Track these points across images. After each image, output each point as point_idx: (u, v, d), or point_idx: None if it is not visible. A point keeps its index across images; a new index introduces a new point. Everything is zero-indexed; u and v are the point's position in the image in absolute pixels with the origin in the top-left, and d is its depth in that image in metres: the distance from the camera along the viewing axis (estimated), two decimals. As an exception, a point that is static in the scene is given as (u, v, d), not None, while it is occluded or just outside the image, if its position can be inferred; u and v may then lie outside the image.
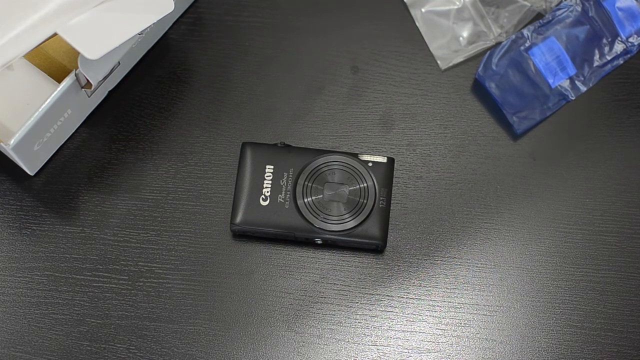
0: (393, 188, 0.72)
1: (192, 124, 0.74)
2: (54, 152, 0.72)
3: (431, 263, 0.71)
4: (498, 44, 0.76)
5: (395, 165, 0.72)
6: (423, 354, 0.69)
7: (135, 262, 0.70)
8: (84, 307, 0.69)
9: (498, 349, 0.69)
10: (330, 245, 0.70)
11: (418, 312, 0.70)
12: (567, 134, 0.74)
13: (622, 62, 0.75)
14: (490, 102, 0.75)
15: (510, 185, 0.73)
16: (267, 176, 0.70)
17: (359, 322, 0.69)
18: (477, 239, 0.71)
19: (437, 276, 0.71)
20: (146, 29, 0.66)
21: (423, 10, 0.76)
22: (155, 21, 0.65)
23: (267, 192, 0.69)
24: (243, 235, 0.71)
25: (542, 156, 0.74)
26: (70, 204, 0.72)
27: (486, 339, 0.69)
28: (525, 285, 0.70)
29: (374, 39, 0.76)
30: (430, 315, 0.70)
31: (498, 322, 0.70)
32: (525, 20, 0.76)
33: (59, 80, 0.68)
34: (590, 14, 0.75)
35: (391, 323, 0.69)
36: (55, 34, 0.62)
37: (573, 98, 0.75)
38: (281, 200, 0.69)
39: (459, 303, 0.70)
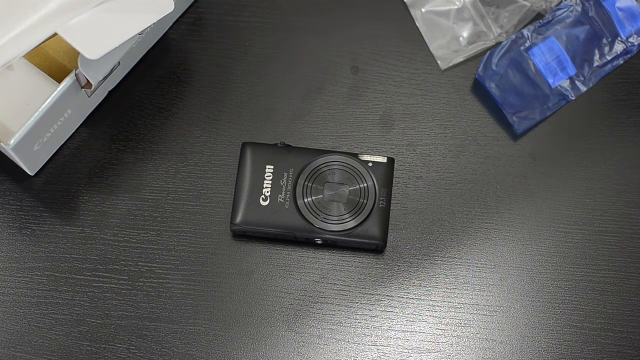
0: (393, 188, 0.72)
1: (192, 124, 0.74)
2: (54, 152, 0.72)
3: (431, 263, 0.71)
4: (498, 44, 0.76)
5: (395, 165, 0.72)
6: (423, 354, 0.69)
7: (135, 262, 0.70)
8: (84, 307, 0.69)
9: (498, 349, 0.69)
10: (330, 245, 0.70)
11: (418, 312, 0.70)
12: (567, 134, 0.74)
13: (622, 62, 0.75)
14: (490, 102, 0.75)
15: (510, 185, 0.73)
16: (267, 176, 0.70)
17: (359, 322, 0.69)
18: (477, 239, 0.71)
19: (437, 276, 0.71)
20: (146, 29, 0.66)
21: (423, 10, 0.77)
22: (155, 21, 0.65)
23: (267, 192, 0.69)
24: (243, 235, 0.71)
25: (542, 156, 0.74)
26: (70, 204, 0.72)
27: (486, 339, 0.69)
28: (525, 285, 0.70)
29: (374, 39, 0.76)
30: (430, 315, 0.70)
31: (498, 322, 0.70)
32: (525, 20, 0.76)
33: (59, 80, 0.68)
34: (590, 14, 0.75)
35: (391, 323, 0.69)
36: (55, 34, 0.62)
37: (573, 98, 0.75)
38: (281, 200, 0.69)
39: (459, 303, 0.70)
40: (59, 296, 0.69)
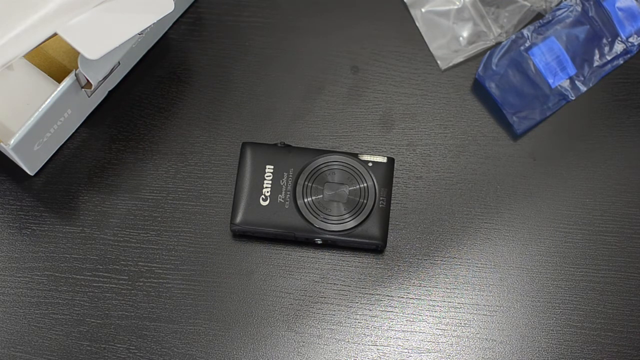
0: (393, 188, 0.72)
1: (192, 124, 0.74)
2: (54, 152, 0.72)
3: (431, 263, 0.71)
4: (498, 44, 0.76)
5: (395, 165, 0.72)
6: (423, 354, 0.69)
7: (135, 262, 0.70)
8: (84, 307, 0.69)
9: (498, 349, 0.69)
10: (330, 245, 0.70)
11: (418, 312, 0.70)
12: (567, 134, 0.74)
13: (622, 62, 0.75)
14: (490, 102, 0.75)
15: (510, 185, 0.73)
16: (267, 176, 0.70)
17: (359, 322, 0.69)
18: (477, 239, 0.71)
19: (437, 276, 0.71)
20: (146, 29, 0.66)
21: (423, 10, 0.76)
22: (155, 21, 0.65)
23: (267, 192, 0.69)
24: (243, 235, 0.71)
25: (542, 156, 0.74)
26: (70, 204, 0.72)
27: (486, 339, 0.69)
28: (525, 285, 0.70)
29: (374, 39, 0.76)
30: (430, 315, 0.70)
31: (498, 322, 0.70)
32: (525, 20, 0.76)
33: (59, 80, 0.68)
34: (590, 14, 0.75)
35: (391, 323, 0.69)
36: (55, 34, 0.62)
37: (573, 98, 0.75)
38: (281, 200, 0.69)
39: (459, 303, 0.70)
40: (59, 296, 0.69)
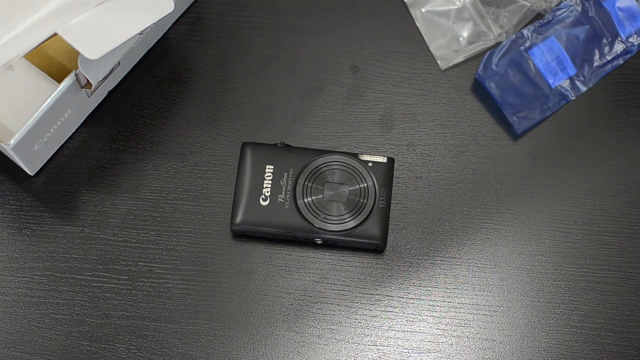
0: (393, 188, 0.72)
1: (192, 124, 0.74)
2: (54, 152, 0.72)
3: (431, 263, 0.71)
4: (498, 44, 0.76)
5: (395, 165, 0.72)
6: (423, 354, 0.69)
7: (135, 262, 0.70)
8: (84, 307, 0.69)
9: (498, 349, 0.69)
10: (330, 245, 0.70)
11: (418, 312, 0.70)
12: (567, 134, 0.74)
13: (622, 62, 0.75)
14: (490, 102, 0.75)
15: (510, 185, 0.73)
16: (267, 176, 0.70)
17: (359, 322, 0.69)
18: (477, 239, 0.71)
19: (437, 276, 0.71)
20: (146, 29, 0.66)
21: (423, 10, 0.77)
22: (155, 21, 0.65)
23: (267, 192, 0.69)
24: (243, 235, 0.71)
25: (542, 156, 0.74)
26: (70, 204, 0.72)
27: (486, 339, 0.69)
28: (525, 285, 0.70)
29: (374, 39, 0.76)
30: (430, 315, 0.70)
31: (498, 322, 0.70)
32: (525, 20, 0.76)
33: (59, 80, 0.68)
34: (590, 14, 0.75)
35: (391, 323, 0.69)
36: (55, 34, 0.62)
37: (573, 98, 0.75)
38: (281, 200, 0.69)
39: (459, 303, 0.70)
40: (59, 296, 0.69)
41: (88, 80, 0.67)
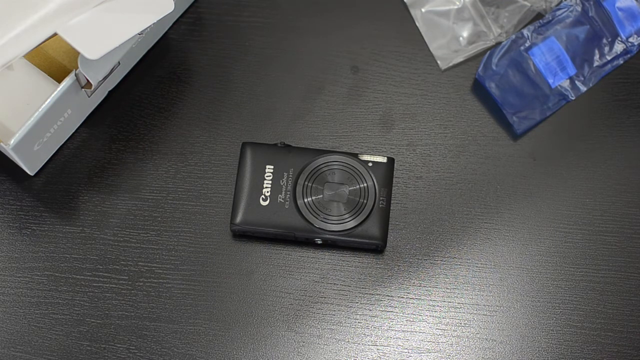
0: (393, 188, 0.72)
1: (192, 124, 0.74)
2: (54, 152, 0.72)
3: (431, 263, 0.71)
4: (498, 44, 0.76)
5: (395, 165, 0.72)
6: (423, 354, 0.69)
7: (135, 262, 0.70)
8: (84, 307, 0.69)
9: (498, 349, 0.69)
10: (330, 245, 0.70)
11: (418, 312, 0.70)
12: (567, 134, 0.74)
13: (622, 62, 0.75)
14: (490, 102, 0.75)
15: (510, 185, 0.73)
16: (267, 176, 0.70)
17: (359, 322, 0.69)
18: (477, 239, 0.71)
19: (437, 276, 0.71)
20: (146, 29, 0.66)
21: (423, 10, 0.77)
22: (155, 21, 0.65)
23: (267, 192, 0.69)
24: (243, 235, 0.71)
25: (542, 156, 0.74)
26: (70, 204, 0.72)
27: (486, 339, 0.69)
28: (525, 285, 0.70)
29: (374, 39, 0.76)
30: (430, 315, 0.70)
31: (498, 322, 0.70)
32: (525, 20, 0.76)
33: (59, 80, 0.68)
34: (590, 14, 0.75)
35: (391, 323, 0.69)
36: (55, 34, 0.62)
37: (573, 98, 0.75)
38: (281, 200, 0.69)
39: (459, 303, 0.70)
40: (59, 296, 0.69)
41: (88, 80, 0.67)
